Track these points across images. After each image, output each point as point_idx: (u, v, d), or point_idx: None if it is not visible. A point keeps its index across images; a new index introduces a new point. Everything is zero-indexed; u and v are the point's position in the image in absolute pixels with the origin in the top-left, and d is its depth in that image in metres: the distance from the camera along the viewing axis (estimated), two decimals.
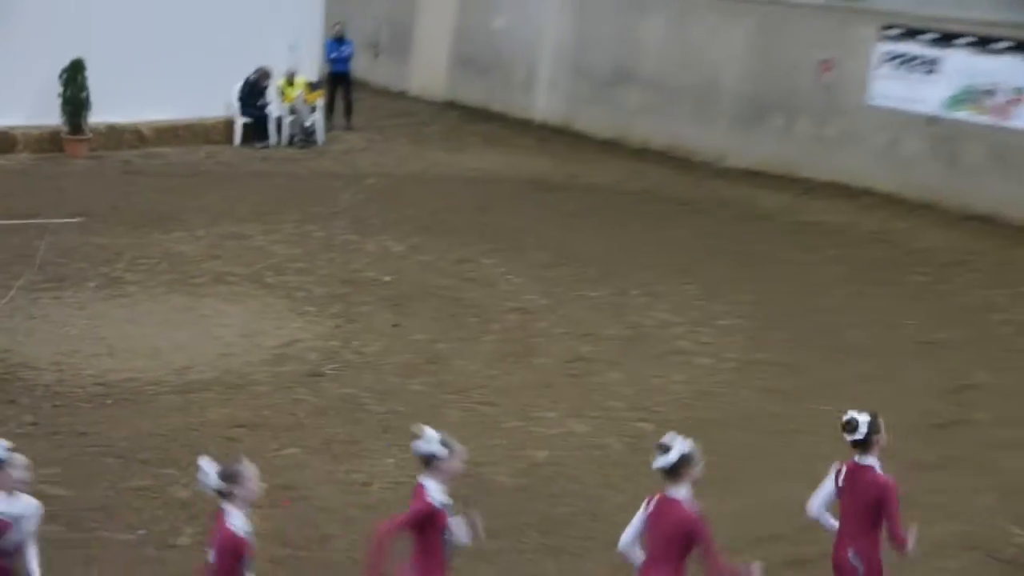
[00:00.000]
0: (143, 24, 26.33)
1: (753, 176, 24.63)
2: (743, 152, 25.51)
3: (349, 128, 28.60)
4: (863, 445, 8.72)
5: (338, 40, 28.96)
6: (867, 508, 8.62)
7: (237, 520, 7.83)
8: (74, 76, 25.18)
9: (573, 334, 16.01)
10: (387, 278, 18.09)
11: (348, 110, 29.02)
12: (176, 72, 26.36)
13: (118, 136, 26.17)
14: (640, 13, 27.77)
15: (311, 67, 27.96)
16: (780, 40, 25.13)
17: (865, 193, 23.19)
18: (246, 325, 16.12)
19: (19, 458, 8.32)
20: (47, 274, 17.73)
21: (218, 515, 7.95)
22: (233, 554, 7.81)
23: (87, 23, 25.78)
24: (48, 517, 11.16)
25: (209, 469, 7.89)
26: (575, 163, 25.91)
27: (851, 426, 8.78)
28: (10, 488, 8.23)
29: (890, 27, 23.38)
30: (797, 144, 24.70)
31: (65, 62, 25.12)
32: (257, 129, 26.98)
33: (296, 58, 27.59)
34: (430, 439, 8.16)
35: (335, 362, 14.98)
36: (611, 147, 27.40)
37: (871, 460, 8.73)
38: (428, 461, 8.14)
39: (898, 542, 8.67)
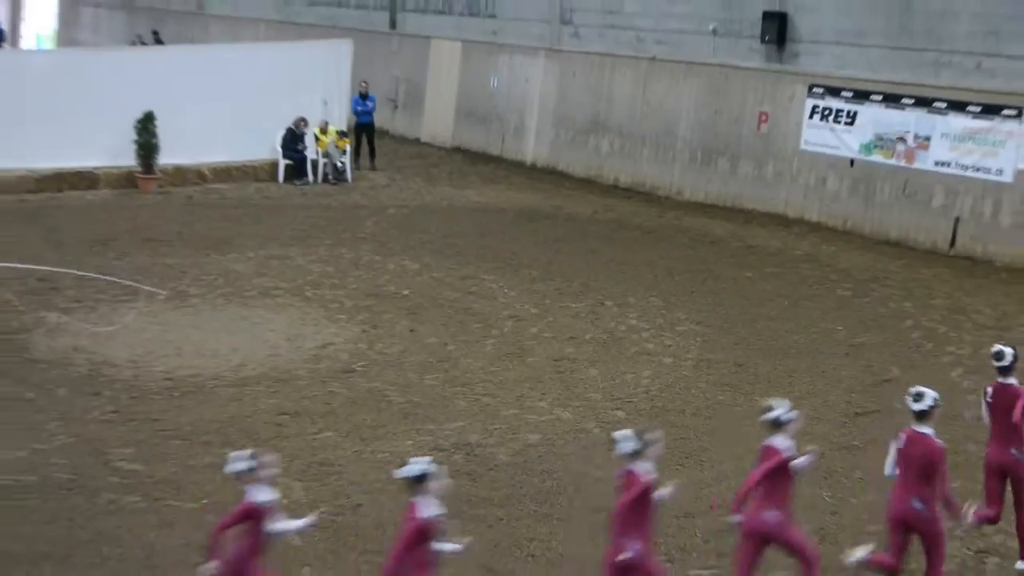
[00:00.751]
0: (203, 82, 26.39)
1: (705, 208, 24.61)
2: (696, 188, 25.51)
3: (373, 169, 28.56)
4: (923, 416, 8.84)
5: (363, 96, 28.93)
6: (922, 467, 8.72)
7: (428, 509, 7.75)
8: (146, 125, 25.22)
9: (559, 338, 15.96)
10: (405, 291, 18.05)
11: (372, 154, 29.00)
12: (230, 122, 26.41)
13: (182, 175, 26.16)
14: (610, 74, 27.77)
15: (341, 119, 27.94)
16: (725, 97, 25.14)
17: (798, 222, 23.17)
18: (289, 330, 16.08)
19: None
20: (125, 288, 17.68)
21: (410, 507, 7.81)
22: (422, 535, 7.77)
23: (157, 82, 25.84)
24: (126, 489, 11.20)
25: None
26: (559, 197, 25.89)
27: (918, 398, 8.94)
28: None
29: (816, 86, 23.38)
30: (741, 182, 24.68)
31: (139, 114, 25.13)
32: (297, 169, 26.97)
33: (328, 111, 27.60)
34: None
35: (363, 361, 14.93)
36: (588, 184, 27.39)
37: (927, 429, 8.82)
38: (419, 481, 7.90)
39: (947, 501, 8.89)
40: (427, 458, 8.05)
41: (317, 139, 27.15)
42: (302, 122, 27.00)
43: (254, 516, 8.03)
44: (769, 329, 16.52)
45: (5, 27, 57.64)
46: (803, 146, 23.58)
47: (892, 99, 22.16)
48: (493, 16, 31.60)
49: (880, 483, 11.62)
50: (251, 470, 8.08)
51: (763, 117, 24.35)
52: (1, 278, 17.74)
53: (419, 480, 7.82)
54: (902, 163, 21.98)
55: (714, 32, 25.51)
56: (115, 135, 25.17)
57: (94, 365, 14.46)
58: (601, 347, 15.65)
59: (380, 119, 32.96)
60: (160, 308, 16.92)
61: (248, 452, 8.27)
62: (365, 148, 28.94)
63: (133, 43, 44.53)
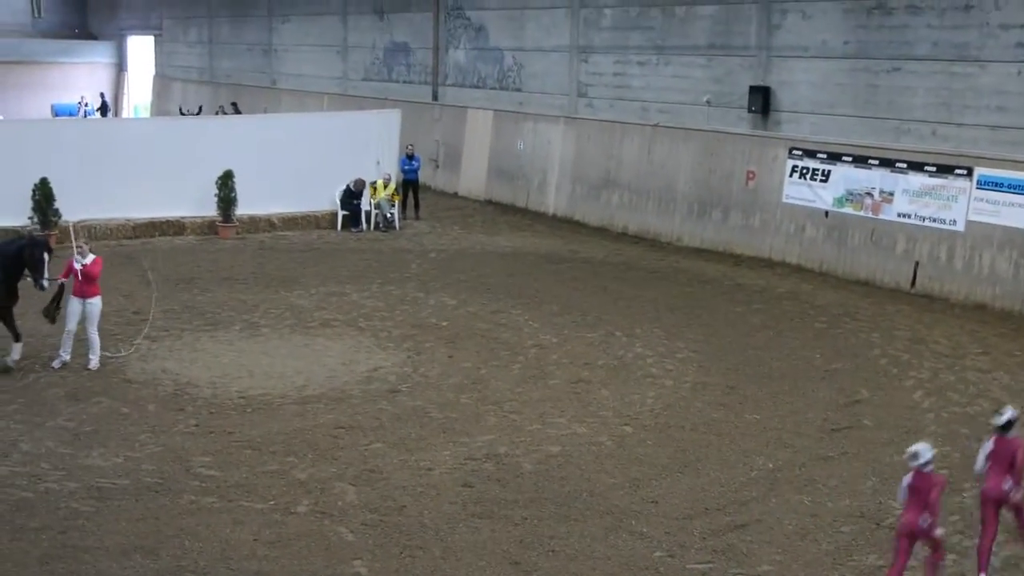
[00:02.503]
0: (274, 145, 26.55)
1: (701, 252, 24.49)
2: (693, 235, 25.38)
3: (417, 219, 28.56)
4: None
5: (410, 157, 28.98)
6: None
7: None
8: (226, 181, 25.33)
9: (576, 363, 15.85)
10: (444, 323, 17.99)
11: (416, 206, 29.01)
12: (296, 179, 26.54)
13: (256, 224, 26.20)
14: (620, 138, 27.74)
15: (391, 176, 27.97)
16: (718, 157, 25.05)
17: (780, 264, 23.00)
18: (345, 356, 16.04)
19: None
20: (206, 319, 17.71)
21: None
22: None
23: (235, 145, 26.02)
24: (204, 491, 11.16)
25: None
26: (576, 243, 25.81)
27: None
28: None
29: (795, 149, 23.28)
30: (731, 230, 24.56)
31: (220, 172, 25.27)
32: (352, 219, 26.99)
33: (381, 169, 27.65)
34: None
35: (407, 382, 14.87)
36: (600, 232, 27.30)
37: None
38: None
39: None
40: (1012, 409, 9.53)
41: (374, 191, 27.19)
42: (360, 182, 27.06)
43: None
44: (756, 356, 16.38)
45: (109, 100, 58.29)
46: (785, 199, 23.46)
47: (860, 160, 22.04)
48: (520, 90, 31.67)
49: (854, 490, 11.52)
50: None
51: (751, 175, 24.26)
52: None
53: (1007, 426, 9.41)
54: (869, 214, 21.82)
55: (708, 103, 25.47)
56: (200, 189, 25.30)
57: (179, 385, 14.46)
58: (612, 371, 15.54)
59: (424, 176, 33.05)
60: (235, 337, 16.92)
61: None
62: (411, 201, 28.97)
63: (216, 113, 44.81)
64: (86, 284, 14.79)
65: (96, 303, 14.96)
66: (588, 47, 28.98)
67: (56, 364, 14.93)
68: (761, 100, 23.94)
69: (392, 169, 28.18)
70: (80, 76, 58.72)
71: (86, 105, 54.67)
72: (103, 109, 55.98)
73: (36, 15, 51.88)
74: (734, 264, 23.29)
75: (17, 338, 14.90)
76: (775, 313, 19.08)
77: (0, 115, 52.31)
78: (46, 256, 14.75)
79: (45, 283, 14.73)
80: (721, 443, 12.82)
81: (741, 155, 24.55)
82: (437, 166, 34.48)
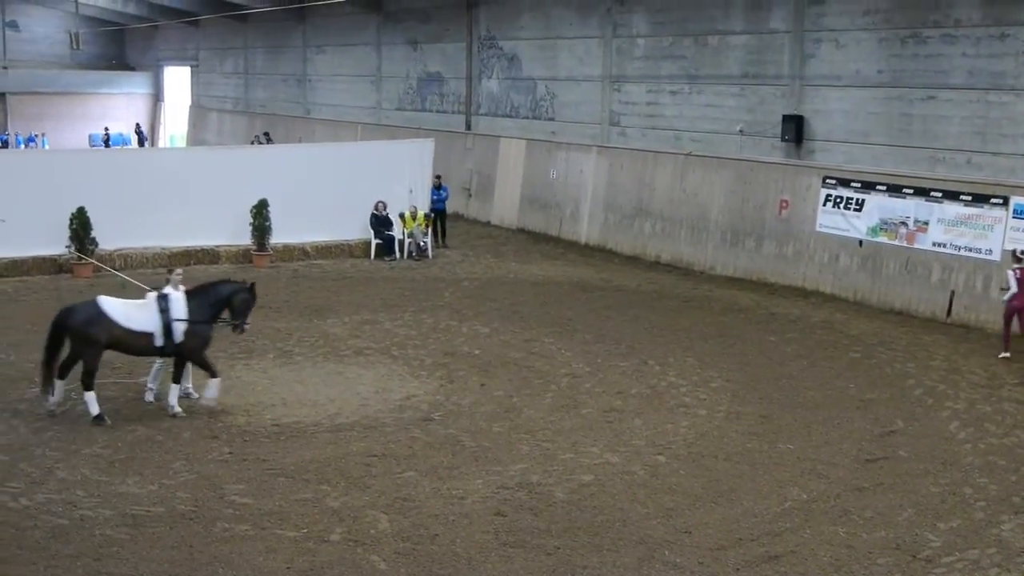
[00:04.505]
0: (308, 174, 26.77)
1: (734, 281, 24.41)
2: (726, 264, 25.32)
3: (444, 247, 28.64)
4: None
5: (437, 188, 29.10)
6: None
7: None
8: (260, 211, 25.53)
9: (608, 392, 15.81)
10: (477, 351, 18.00)
11: (443, 234, 29.13)
12: (330, 208, 26.73)
13: (290, 252, 26.38)
14: (652, 167, 27.76)
15: (424, 205, 28.08)
16: (751, 186, 25.01)
17: (814, 294, 22.90)
18: (378, 384, 16.07)
19: None
20: (240, 347, 17.79)
21: None
22: None
23: (270, 174, 26.23)
24: (238, 519, 11.18)
25: None
26: (608, 271, 25.79)
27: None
28: None
29: (829, 178, 23.20)
30: (765, 259, 24.48)
31: (254, 201, 25.46)
32: (386, 247, 27.09)
33: (413, 198, 27.76)
34: None
35: (440, 411, 14.87)
36: (633, 261, 27.28)
37: None
38: None
39: None
40: None
41: (404, 222, 27.29)
42: (381, 205, 27.19)
43: None
44: (790, 386, 16.28)
45: (146, 130, 58.91)
46: (818, 228, 23.36)
47: (895, 189, 21.93)
48: (552, 119, 31.76)
49: (891, 521, 11.40)
50: None
51: (784, 204, 24.18)
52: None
53: None
54: (904, 244, 21.69)
55: (741, 132, 25.46)
56: (234, 218, 25.50)
57: (213, 413, 14.51)
58: (645, 400, 15.48)
59: (456, 205, 33.20)
60: (269, 365, 17.00)
61: None
62: (438, 229, 29.05)
63: (251, 142, 45.18)
64: None
65: None
66: (621, 76, 29.04)
67: (149, 397, 14.93)
68: (794, 129, 23.91)
69: (425, 199, 28.27)
70: (118, 107, 59.49)
71: (107, 136, 55.25)
72: (140, 139, 56.59)
73: (75, 47, 52.59)
74: (768, 293, 23.18)
75: (214, 374, 14.67)
76: (809, 342, 18.96)
77: (47, 141, 53.01)
78: (253, 303, 14.94)
79: (246, 327, 14.95)
80: (755, 473, 12.72)
81: (774, 184, 24.48)
82: (470, 195, 34.58)
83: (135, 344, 14.24)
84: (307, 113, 46.48)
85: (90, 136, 56.18)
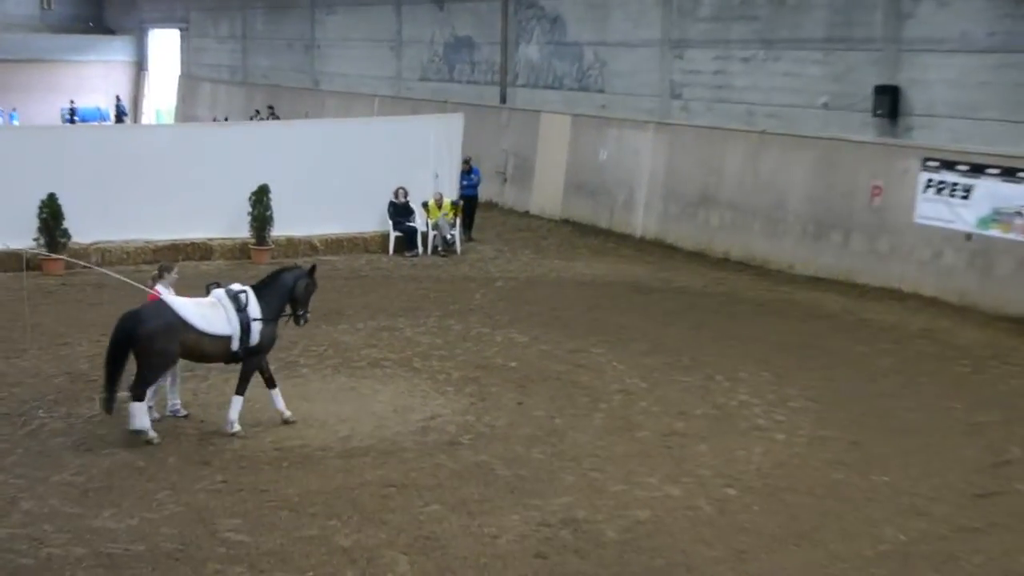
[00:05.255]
0: (317, 156, 26.83)
1: (817, 282, 24.29)
2: (808, 262, 25.18)
3: (469, 239, 28.65)
4: None
5: (467, 172, 29.12)
6: None
7: None
8: (260, 198, 25.64)
9: (668, 412, 15.74)
10: (513, 364, 17.98)
11: (469, 226, 29.14)
12: (342, 195, 26.79)
13: (295, 247, 26.47)
14: (720, 147, 27.65)
15: (452, 191, 28.11)
16: (837, 170, 24.86)
17: (913, 297, 22.73)
18: (397, 402, 16.06)
19: None
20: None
21: None
22: None
23: (272, 156, 26.27)
24: (232, 559, 11.18)
25: None
26: (668, 270, 25.73)
27: None
28: None
29: (930, 160, 23.01)
30: (853, 256, 24.32)
31: (254, 187, 25.54)
32: (407, 241, 27.15)
33: (439, 183, 27.79)
34: None
35: (470, 433, 14.84)
36: (697, 257, 27.21)
37: None
38: None
39: None
40: None
41: (428, 211, 27.29)
42: (401, 191, 27.22)
43: None
44: (884, 406, 16.15)
45: (127, 103, 59.30)
46: (917, 220, 23.17)
47: (1009, 173, 21.70)
48: (602, 91, 31.70)
49: (1005, 569, 11.24)
50: None
51: (876, 191, 24.01)
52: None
53: None
54: (1021, 237, 21.47)
55: (825, 106, 25.31)
56: (230, 207, 25.61)
57: (204, 435, 14.55)
58: (711, 422, 15.40)
59: (489, 192, 33.21)
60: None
61: None
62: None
63: (251, 118, 45.42)
64: None
65: None
66: (683, 41, 28.94)
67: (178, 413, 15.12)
68: (889, 102, 23.74)
69: (453, 184, 28.28)
70: (94, 76, 59.86)
71: (73, 111, 55.44)
72: (119, 115, 56.88)
73: (45, 6, 53.11)
74: (857, 296, 23.05)
75: (273, 384, 14.98)
76: (907, 355, 18.82)
77: (16, 116, 53.38)
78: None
79: (308, 318, 15.32)
80: (842, 510, 12.61)
81: (865, 167, 24.32)
82: (505, 180, 34.60)
83: (211, 351, 14.48)
84: (315, 84, 46.66)
85: (63, 111, 56.61)
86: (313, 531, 11.81)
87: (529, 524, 12.07)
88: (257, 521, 12.03)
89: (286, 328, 19.39)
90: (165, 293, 14.75)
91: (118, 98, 58.10)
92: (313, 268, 15.38)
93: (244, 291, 14.60)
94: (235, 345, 14.47)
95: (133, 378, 14.16)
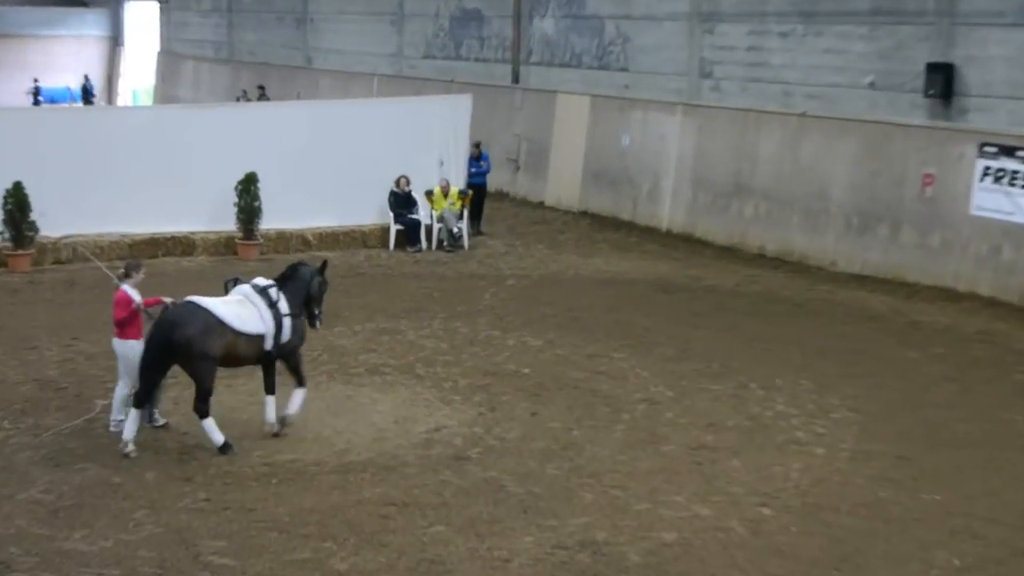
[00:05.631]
0: (310, 141, 26.84)
1: (862, 280, 24.30)
2: (852, 258, 25.19)
3: (478, 233, 28.67)
4: None
5: (476, 158, 29.14)
6: None
7: None
8: (248, 187, 25.65)
9: (697, 424, 15.77)
10: (526, 370, 18.01)
11: (478, 218, 29.16)
12: (338, 184, 26.83)
13: (286, 241, 26.53)
14: (755, 131, 27.66)
15: (458, 179, 28.13)
16: (885, 156, 24.86)
17: (968, 297, 22.73)
18: (398, 412, 16.10)
19: None
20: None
21: None
22: None
23: (260, 141, 26.28)
24: None
25: None
26: (697, 267, 25.76)
27: None
28: None
29: (988, 145, 22.99)
30: (902, 251, 24.32)
31: (240, 175, 25.57)
32: (409, 235, 27.18)
33: (444, 171, 27.83)
34: None
35: (478, 447, 14.87)
36: (729, 253, 27.23)
37: None
38: None
39: None
40: None
41: (432, 202, 27.31)
42: (403, 180, 27.24)
43: None
44: (936, 417, 16.15)
45: (99, 82, 59.32)
46: (974, 211, 23.17)
47: None
48: (625, 69, 31.72)
49: None
50: None
51: (927, 179, 24.01)
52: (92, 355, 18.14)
53: None
54: None
55: (871, 86, 25.31)
56: (214, 198, 25.65)
57: (186, 448, 14.59)
58: (744, 435, 15.42)
59: (499, 181, 33.24)
60: (257, 387, 17.03)
61: None
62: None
63: (237, 99, 45.51)
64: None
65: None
66: (714, 13, 28.97)
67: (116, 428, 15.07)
68: (942, 81, 23.75)
69: (460, 172, 28.32)
70: (65, 53, 59.94)
71: (37, 91, 55.29)
72: (87, 95, 56.73)
73: None
74: (906, 296, 23.05)
75: (272, 390, 15.24)
76: (961, 361, 18.82)
77: None
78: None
79: (322, 319, 15.61)
80: (889, 531, 12.62)
81: (915, 153, 24.32)
82: (518, 168, 34.64)
83: (245, 352, 14.69)
84: (308, 62, 46.77)
85: (31, 90, 56.71)
86: (306, 554, 11.84)
87: (543, 547, 12.09)
88: (244, 543, 12.05)
89: None
90: (134, 295, 14.78)
91: (86, 77, 57.98)
92: (324, 265, 15.62)
93: (272, 285, 14.86)
94: (268, 344, 14.68)
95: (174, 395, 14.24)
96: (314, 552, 11.90)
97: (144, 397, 14.36)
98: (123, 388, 14.94)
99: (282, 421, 15.13)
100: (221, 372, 16.81)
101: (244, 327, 14.45)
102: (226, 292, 14.95)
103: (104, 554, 11.80)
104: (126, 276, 14.96)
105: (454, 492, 13.43)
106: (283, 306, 14.75)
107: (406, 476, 13.87)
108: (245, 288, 14.82)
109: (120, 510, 12.82)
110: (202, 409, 14.32)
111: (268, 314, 14.61)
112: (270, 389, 15.11)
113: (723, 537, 12.42)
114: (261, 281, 14.96)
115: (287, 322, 14.74)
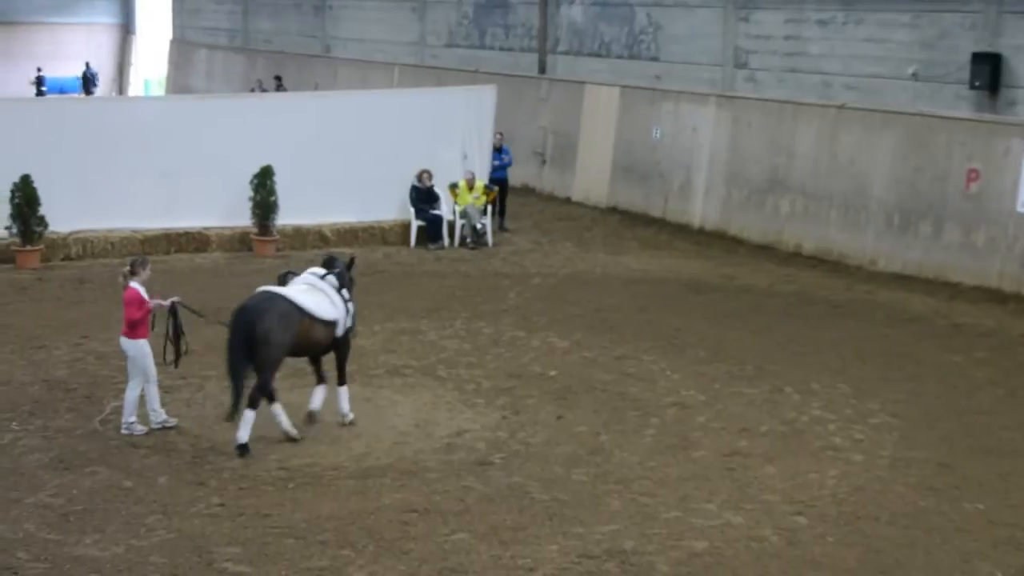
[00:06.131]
0: (328, 133, 26.85)
1: (903, 280, 24.23)
2: (893, 257, 25.14)
3: (502, 229, 28.69)
4: None
5: (497, 149, 29.16)
6: None
7: None
8: (263, 181, 25.66)
9: (729, 429, 15.78)
10: (552, 372, 18.03)
11: (501, 213, 29.17)
12: (357, 178, 26.82)
13: (303, 237, 26.58)
14: (792, 124, 27.63)
15: (483, 173, 28.15)
16: (928, 151, 24.80)
17: (1015, 298, 22.66)
18: (419, 415, 16.16)
19: None
20: None
21: None
22: None
23: (276, 133, 26.32)
24: None
25: None
26: (730, 266, 25.73)
27: None
28: None
29: None
30: (946, 250, 24.27)
31: (256, 169, 25.58)
32: (431, 231, 27.19)
33: (468, 164, 27.85)
34: None
35: (502, 452, 14.92)
36: (764, 251, 27.19)
37: None
38: None
39: None
40: None
41: (456, 196, 27.35)
42: (425, 174, 27.27)
43: None
44: (980, 424, 16.13)
45: (110, 71, 59.36)
46: (1021, 208, 23.12)
47: None
48: (656, 59, 31.72)
49: None
50: None
51: (972, 175, 23.96)
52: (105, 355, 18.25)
53: None
54: None
55: (914, 76, 25.27)
56: (229, 192, 25.73)
57: (199, 452, 14.67)
58: (779, 441, 15.43)
59: (524, 175, 33.26)
60: (275, 388, 17.12)
61: None
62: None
63: (252, 89, 45.59)
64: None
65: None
66: (750, 1, 28.95)
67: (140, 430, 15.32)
68: (988, 72, 23.70)
69: (484, 166, 28.34)
70: (74, 41, 60.02)
71: (40, 80, 55.15)
72: (87, 84, 56.49)
73: None
74: (949, 296, 23.00)
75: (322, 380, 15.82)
76: (1007, 364, 18.79)
77: None
78: None
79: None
80: (930, 542, 12.62)
81: (960, 147, 24.26)
82: (544, 161, 34.66)
83: (319, 339, 15.27)
84: (326, 51, 46.85)
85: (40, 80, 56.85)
86: (323, 562, 11.90)
87: (569, 555, 12.12)
88: (259, 550, 12.12)
89: None
90: (143, 292, 14.91)
91: (87, 64, 57.78)
92: (352, 261, 16.19)
93: (330, 273, 15.46)
94: (340, 331, 15.28)
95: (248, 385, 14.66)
96: (332, 560, 11.95)
97: (239, 393, 14.62)
98: (134, 390, 15.07)
99: (311, 417, 15.51)
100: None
101: (321, 313, 14.96)
102: (282, 285, 15.40)
103: (115, 560, 11.87)
104: (132, 274, 15.05)
105: (477, 498, 13.48)
106: (345, 292, 15.34)
107: (427, 481, 13.92)
108: (309, 277, 15.36)
109: (132, 515, 12.90)
110: (259, 398, 14.67)
111: (338, 299, 15.21)
112: (341, 380, 15.66)
113: (756, 547, 12.44)
114: (318, 270, 15.51)
115: (352, 307, 15.40)
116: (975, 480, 14.24)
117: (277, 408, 14.99)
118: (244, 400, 14.55)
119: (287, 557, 11.98)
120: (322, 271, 15.50)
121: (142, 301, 14.86)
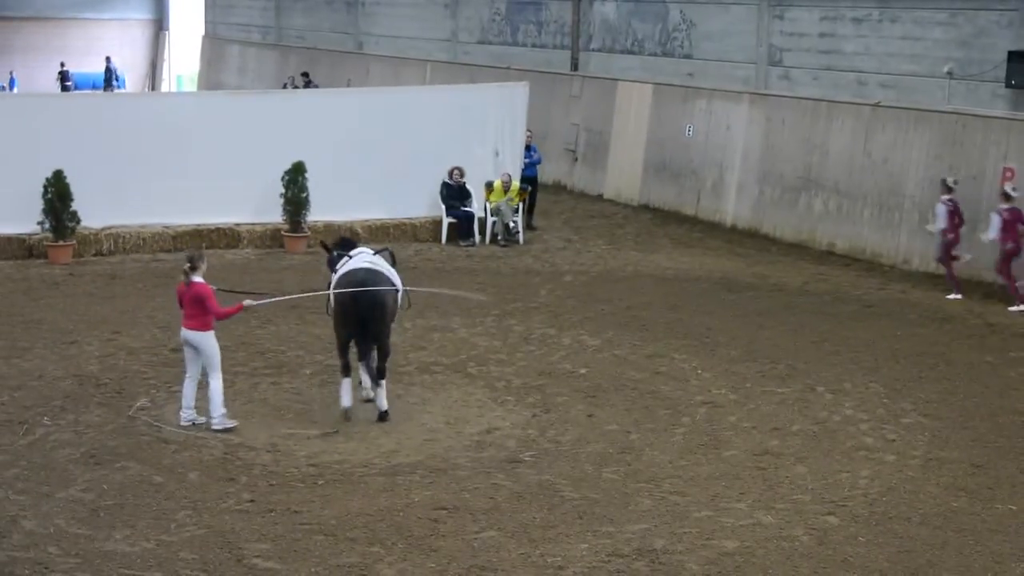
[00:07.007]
0: (359, 130, 26.92)
1: (937, 280, 24.11)
2: (927, 257, 25.02)
3: (531, 228, 28.69)
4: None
5: (527, 147, 29.15)
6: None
7: None
8: (295, 178, 25.73)
9: (761, 428, 15.75)
10: (582, 370, 18.04)
11: (530, 211, 29.17)
12: (388, 175, 26.89)
13: (334, 233, 26.48)
14: (826, 122, 27.56)
15: (515, 171, 28.15)
16: (963, 149, 24.70)
17: None
18: (449, 413, 16.19)
19: None
20: (267, 360, 18.03)
21: None
22: None
23: (308, 129, 26.39)
24: None
25: None
26: (763, 264, 25.69)
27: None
28: None
29: None
30: (981, 249, 24.13)
31: (288, 165, 25.65)
32: (462, 229, 27.21)
33: (500, 162, 27.86)
34: None
35: (532, 450, 14.93)
36: (797, 250, 27.12)
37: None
38: None
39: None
40: None
41: (488, 194, 27.36)
42: (457, 172, 27.29)
43: None
44: (1014, 424, 16.05)
45: (142, 67, 59.44)
46: None
47: None
48: (690, 56, 31.68)
49: None
50: None
51: (1008, 174, 23.84)
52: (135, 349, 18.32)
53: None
54: None
55: (950, 74, 25.16)
56: (260, 188, 25.82)
57: (229, 447, 14.72)
58: (811, 440, 15.39)
59: (555, 172, 33.30)
60: (304, 384, 17.20)
61: None
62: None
63: (284, 86, 45.71)
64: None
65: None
66: None
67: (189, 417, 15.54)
68: None
69: (516, 163, 28.34)
70: (107, 36, 60.10)
71: (64, 75, 55.08)
72: (108, 80, 56.41)
73: None
74: (983, 296, 22.88)
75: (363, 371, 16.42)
76: None
77: (16, 81, 53.75)
78: None
79: None
80: (962, 543, 12.57)
81: (995, 146, 24.17)
82: (576, 159, 34.66)
83: (393, 312, 16.02)
84: (359, 47, 46.94)
85: (71, 75, 56.96)
86: (352, 559, 11.93)
87: (599, 554, 12.13)
88: (288, 546, 12.16)
89: (327, 328, 19.66)
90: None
91: (108, 59, 57.70)
92: (392, 255, 16.78)
93: (379, 252, 16.30)
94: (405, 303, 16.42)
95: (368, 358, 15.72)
96: (361, 557, 11.98)
97: (348, 367, 15.72)
98: (193, 381, 15.32)
99: (345, 414, 15.75)
100: (266, 371, 17.03)
101: (400, 285, 15.90)
102: (332, 267, 16.24)
103: (145, 555, 11.93)
104: (194, 268, 15.15)
105: (506, 496, 13.49)
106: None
107: (457, 479, 13.95)
108: (368, 255, 16.01)
109: (162, 510, 12.96)
110: (383, 369, 15.73)
111: (397, 276, 16.04)
112: (380, 373, 15.95)
113: (787, 546, 12.42)
114: (370, 249, 16.42)
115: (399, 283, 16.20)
116: (1008, 481, 14.18)
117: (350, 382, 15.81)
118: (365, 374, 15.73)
119: (316, 554, 12.02)
120: (371, 250, 16.29)
121: (211, 294, 15.14)
